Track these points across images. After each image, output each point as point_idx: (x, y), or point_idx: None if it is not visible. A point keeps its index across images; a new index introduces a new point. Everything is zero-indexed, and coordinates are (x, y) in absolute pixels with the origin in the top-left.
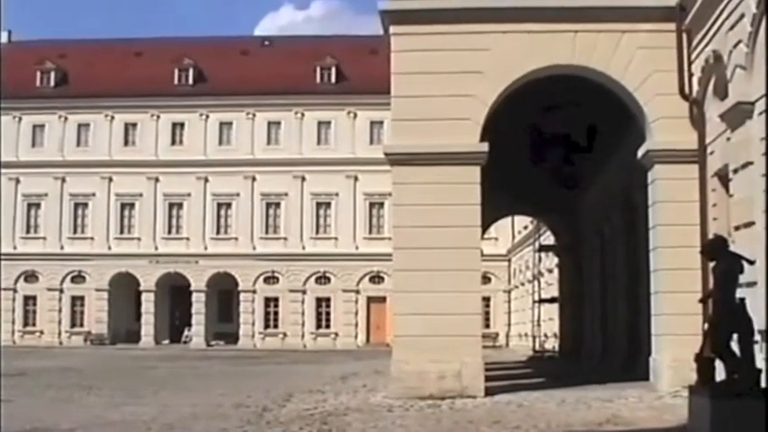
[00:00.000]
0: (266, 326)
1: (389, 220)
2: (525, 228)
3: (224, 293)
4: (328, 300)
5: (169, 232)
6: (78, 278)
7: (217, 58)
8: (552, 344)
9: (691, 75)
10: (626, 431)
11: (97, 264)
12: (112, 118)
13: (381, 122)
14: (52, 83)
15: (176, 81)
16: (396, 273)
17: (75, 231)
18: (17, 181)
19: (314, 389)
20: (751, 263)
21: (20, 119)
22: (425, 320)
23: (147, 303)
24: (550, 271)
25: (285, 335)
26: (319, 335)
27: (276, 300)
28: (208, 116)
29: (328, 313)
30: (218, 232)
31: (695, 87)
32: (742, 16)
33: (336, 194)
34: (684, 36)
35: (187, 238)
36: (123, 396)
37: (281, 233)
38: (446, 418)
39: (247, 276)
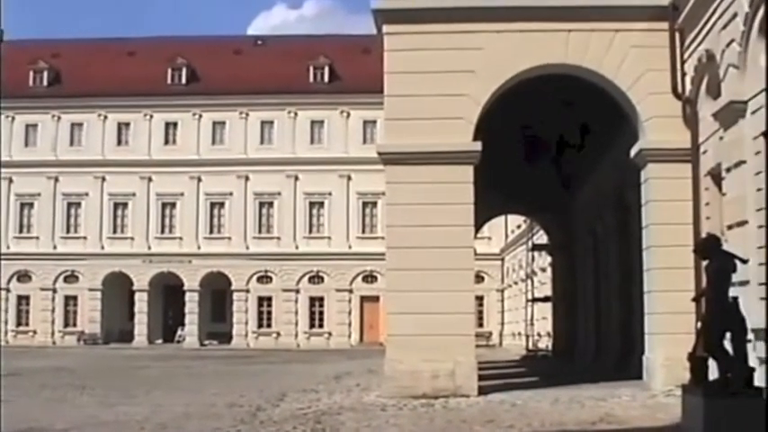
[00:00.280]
0: (259, 325)
1: (383, 220)
2: (518, 227)
3: (217, 293)
4: (321, 299)
5: (162, 232)
6: (71, 278)
7: (210, 57)
8: (545, 343)
9: (684, 74)
10: (619, 430)
11: (90, 263)
12: (105, 117)
13: (374, 122)
14: (45, 82)
15: (169, 80)
16: (389, 272)
17: (68, 231)
18: (10, 180)
19: (307, 388)
20: (744, 262)
21: (13, 118)
22: (419, 320)
23: (141, 303)
24: (544, 270)
25: (278, 334)
26: (312, 334)
27: (269, 299)
28: (201, 115)
29: (321, 313)
30: (211, 232)
31: (688, 86)
32: (735, 15)
33: (329, 194)
34: (677, 35)
35: (180, 238)
36: (116, 396)
37: (275, 232)
38: (439, 418)
39: (240, 276)
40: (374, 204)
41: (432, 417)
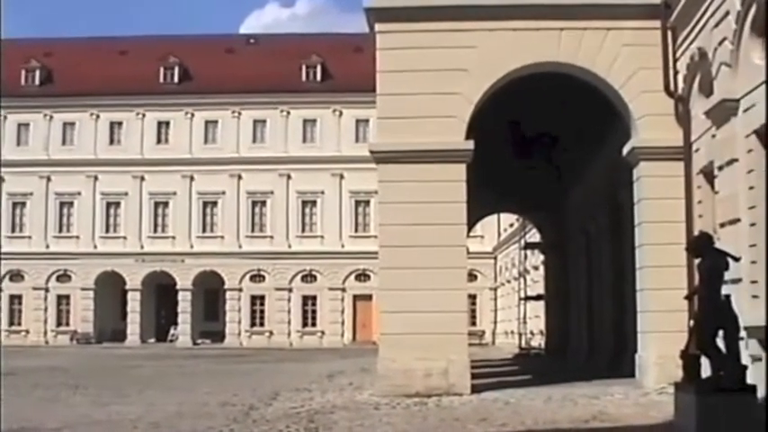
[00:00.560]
0: (252, 324)
1: (375, 219)
2: (511, 225)
3: (210, 292)
4: (314, 298)
5: (155, 231)
6: (64, 277)
7: (202, 56)
8: (538, 341)
9: (676, 72)
10: (612, 428)
11: (83, 263)
12: (98, 117)
13: (367, 120)
14: (37, 81)
15: (162, 79)
16: (382, 271)
17: (60, 230)
18: (2, 180)
19: (300, 387)
20: (736, 259)
21: (5, 117)
22: (412, 318)
23: (133, 302)
24: (536, 268)
25: (271, 333)
26: (305, 333)
27: (262, 298)
28: (193, 114)
29: (314, 311)
30: (203, 231)
31: (680, 84)
32: (727, 14)
33: (322, 192)
34: (669, 33)
35: (173, 237)
36: (109, 395)
37: (267, 231)
38: (432, 416)
39: (233, 275)
40: (367, 203)
41: (425, 415)
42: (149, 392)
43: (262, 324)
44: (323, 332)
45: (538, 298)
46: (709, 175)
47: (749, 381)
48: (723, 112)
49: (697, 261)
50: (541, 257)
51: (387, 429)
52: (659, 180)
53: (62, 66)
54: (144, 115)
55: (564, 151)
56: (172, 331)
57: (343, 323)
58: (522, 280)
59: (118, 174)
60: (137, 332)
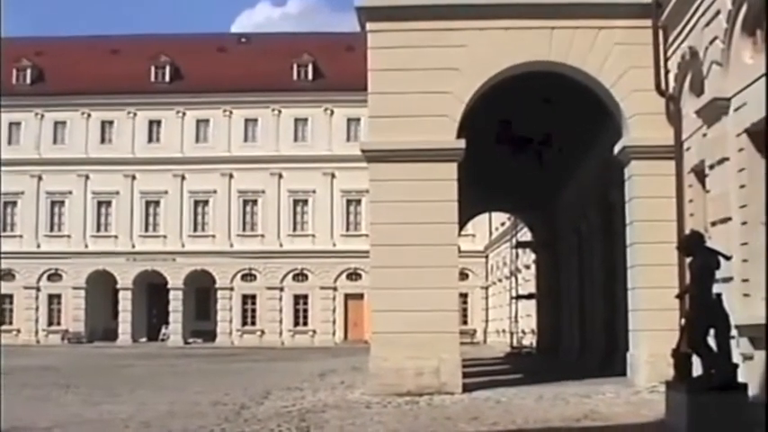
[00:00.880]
0: (244, 323)
1: (367, 217)
2: (502, 224)
3: (201, 291)
4: (306, 297)
5: (146, 230)
6: (55, 276)
7: (193, 55)
8: (530, 340)
9: (667, 71)
10: (603, 426)
11: (74, 262)
12: (89, 115)
13: (358, 119)
14: (28, 80)
15: (153, 78)
16: (373, 270)
17: (51, 229)
18: None
19: (292, 386)
20: (727, 258)
21: None
22: (403, 317)
23: (125, 301)
24: (528, 267)
25: (263, 332)
26: (297, 332)
27: (254, 297)
28: (184, 113)
29: (306, 310)
30: (195, 230)
31: (671, 83)
32: (718, 12)
33: (313, 191)
34: (661, 32)
35: (164, 236)
36: (100, 394)
37: (259, 230)
38: (424, 415)
39: (225, 274)
40: (358, 202)
41: (416, 414)
42: (141, 392)
43: (253, 323)
44: (314, 331)
45: (529, 297)
46: (700, 173)
47: (740, 379)
48: (714, 111)
49: (688, 260)
50: (533, 256)
51: (378, 428)
52: (650, 179)
53: (53, 65)
54: (135, 114)
55: (552, 148)
56: (163, 330)
57: (334, 322)
58: (513, 279)
59: (109, 173)
60: (128, 331)
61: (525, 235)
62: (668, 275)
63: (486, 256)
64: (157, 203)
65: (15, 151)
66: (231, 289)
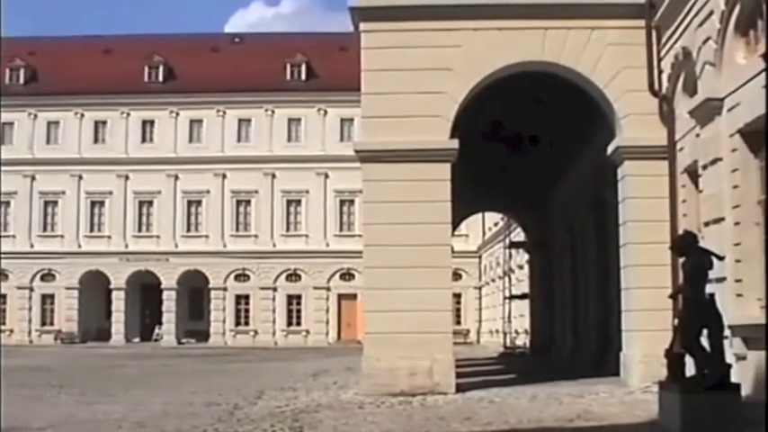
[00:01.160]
0: (237, 323)
1: (360, 218)
2: (496, 224)
3: (194, 291)
4: (299, 297)
5: (139, 230)
6: (48, 276)
7: (187, 55)
8: (523, 340)
9: (660, 71)
10: (597, 427)
11: (67, 262)
12: (82, 115)
13: (352, 119)
14: (22, 80)
15: (146, 78)
16: (366, 270)
17: (44, 229)
18: None
19: (285, 386)
20: (720, 258)
21: None
22: (396, 317)
23: (118, 301)
24: (521, 267)
25: (256, 332)
26: (290, 332)
27: (247, 297)
28: (178, 113)
29: (299, 310)
30: (188, 230)
31: (665, 84)
32: (711, 13)
33: (307, 192)
34: (654, 33)
35: (157, 236)
36: (94, 394)
37: (252, 230)
38: (417, 415)
39: (218, 274)
40: (351, 202)
41: (409, 414)
42: (134, 392)
43: (246, 323)
44: (308, 331)
45: (522, 297)
46: (693, 174)
47: (733, 379)
48: (707, 112)
49: (681, 260)
50: (526, 256)
51: (371, 428)
52: (644, 179)
53: (47, 64)
54: (129, 114)
55: (538, 147)
56: (156, 331)
57: (327, 322)
58: (506, 279)
59: (102, 173)
60: (121, 331)
61: (518, 235)
62: (661, 276)
63: (480, 257)
64: (151, 203)
65: (8, 151)
66: (224, 289)
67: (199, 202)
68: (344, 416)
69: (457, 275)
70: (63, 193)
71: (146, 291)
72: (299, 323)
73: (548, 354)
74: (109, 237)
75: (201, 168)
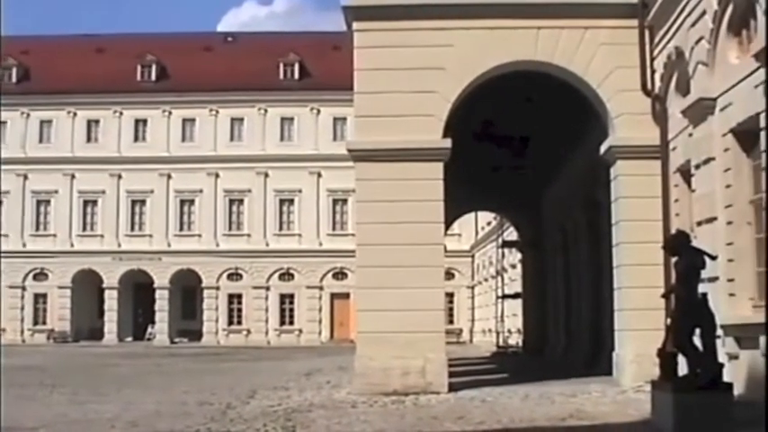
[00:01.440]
0: (230, 323)
1: (353, 217)
2: (488, 224)
3: (187, 290)
4: (292, 296)
5: (132, 229)
6: (41, 275)
7: (179, 54)
8: (516, 339)
9: (653, 71)
10: (589, 426)
11: (60, 261)
12: (75, 114)
13: (345, 119)
14: (14, 79)
15: (139, 77)
16: (359, 269)
17: (37, 228)
18: None
19: (278, 385)
20: (713, 258)
21: None
22: (389, 317)
23: (111, 301)
24: (514, 267)
25: (249, 331)
26: (283, 331)
27: (240, 296)
28: (170, 112)
29: (292, 310)
30: (181, 229)
31: (657, 83)
32: (703, 13)
33: (300, 191)
34: (647, 32)
35: (150, 235)
36: (87, 394)
37: (245, 230)
38: (410, 414)
39: (211, 273)
40: (344, 201)
41: (402, 413)
42: (127, 391)
43: (239, 322)
44: (300, 330)
45: (515, 296)
46: (686, 173)
47: (725, 379)
48: (700, 111)
49: (674, 259)
50: (519, 256)
51: (364, 428)
52: (636, 179)
53: (39, 63)
54: (121, 113)
55: (531, 146)
56: (149, 330)
57: (320, 321)
58: (499, 278)
59: (95, 172)
60: (114, 331)
61: (511, 234)
62: (654, 275)
63: (473, 256)
64: (143, 203)
65: (1, 150)
66: (217, 288)
67: (192, 202)
68: (337, 415)
69: (449, 275)
70: (56, 192)
71: (138, 290)
72: (291, 322)
73: (540, 353)
74: (102, 236)
75: (194, 167)
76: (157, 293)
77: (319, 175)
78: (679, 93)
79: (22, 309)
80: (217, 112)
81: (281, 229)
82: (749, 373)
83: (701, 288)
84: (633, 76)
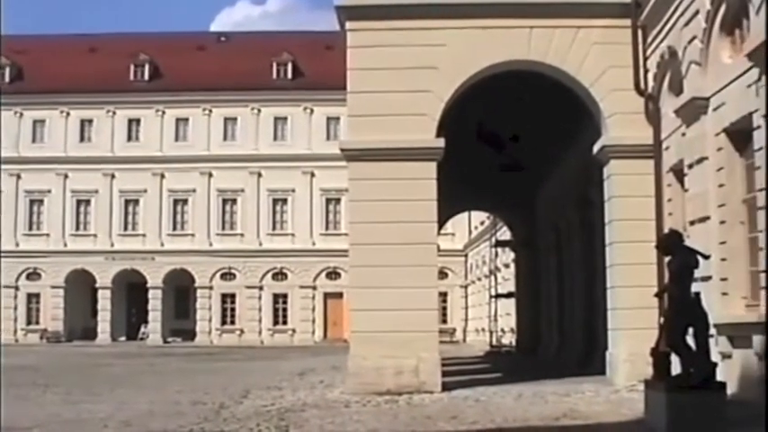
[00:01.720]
0: (223, 322)
1: (346, 216)
2: (482, 223)
3: (181, 290)
4: (285, 296)
5: (125, 229)
6: (34, 275)
7: (173, 53)
8: (509, 339)
9: (646, 70)
10: (583, 425)
11: (53, 261)
12: (68, 114)
13: (338, 118)
14: (7, 78)
15: (132, 77)
16: (352, 269)
17: (30, 228)
18: None
19: (271, 385)
20: (706, 257)
21: None
22: (382, 316)
23: (104, 300)
24: (507, 266)
25: (242, 331)
26: (276, 331)
27: (233, 296)
28: (164, 112)
29: (285, 309)
30: (174, 229)
31: (650, 83)
32: (696, 12)
33: (293, 190)
34: (640, 32)
35: (143, 235)
36: (80, 394)
37: (238, 229)
38: (403, 414)
39: (204, 273)
40: (338, 201)
41: (395, 413)
42: (120, 391)
43: (232, 322)
44: (294, 330)
45: (509, 296)
46: (679, 173)
47: (719, 378)
48: (693, 111)
49: (667, 259)
50: (512, 255)
51: (357, 427)
52: (629, 178)
53: (32, 63)
54: (114, 113)
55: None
56: (142, 329)
57: (314, 321)
58: (492, 278)
59: (88, 171)
60: (107, 330)
61: (504, 234)
62: (647, 274)
63: (466, 255)
64: (136, 202)
65: None
66: (210, 288)
67: (185, 201)
68: (330, 415)
69: (443, 274)
70: (49, 191)
71: (132, 290)
72: (285, 322)
73: (534, 352)
74: (95, 235)
75: (187, 167)
76: (150, 293)
77: (312, 174)
78: (672, 92)
79: (16, 309)
80: (210, 111)
81: (274, 228)
82: (742, 373)
83: (694, 287)
84: (626, 76)
